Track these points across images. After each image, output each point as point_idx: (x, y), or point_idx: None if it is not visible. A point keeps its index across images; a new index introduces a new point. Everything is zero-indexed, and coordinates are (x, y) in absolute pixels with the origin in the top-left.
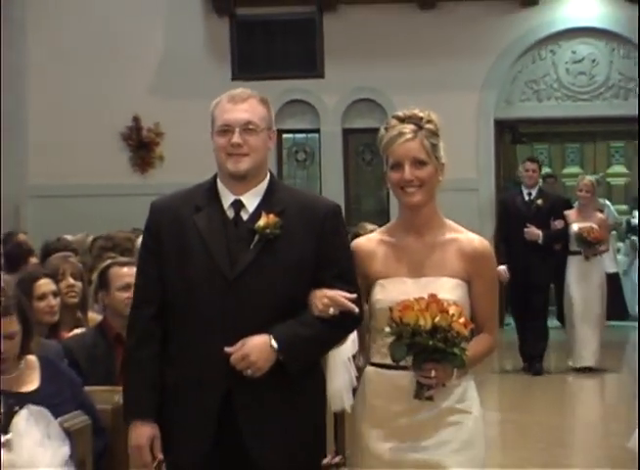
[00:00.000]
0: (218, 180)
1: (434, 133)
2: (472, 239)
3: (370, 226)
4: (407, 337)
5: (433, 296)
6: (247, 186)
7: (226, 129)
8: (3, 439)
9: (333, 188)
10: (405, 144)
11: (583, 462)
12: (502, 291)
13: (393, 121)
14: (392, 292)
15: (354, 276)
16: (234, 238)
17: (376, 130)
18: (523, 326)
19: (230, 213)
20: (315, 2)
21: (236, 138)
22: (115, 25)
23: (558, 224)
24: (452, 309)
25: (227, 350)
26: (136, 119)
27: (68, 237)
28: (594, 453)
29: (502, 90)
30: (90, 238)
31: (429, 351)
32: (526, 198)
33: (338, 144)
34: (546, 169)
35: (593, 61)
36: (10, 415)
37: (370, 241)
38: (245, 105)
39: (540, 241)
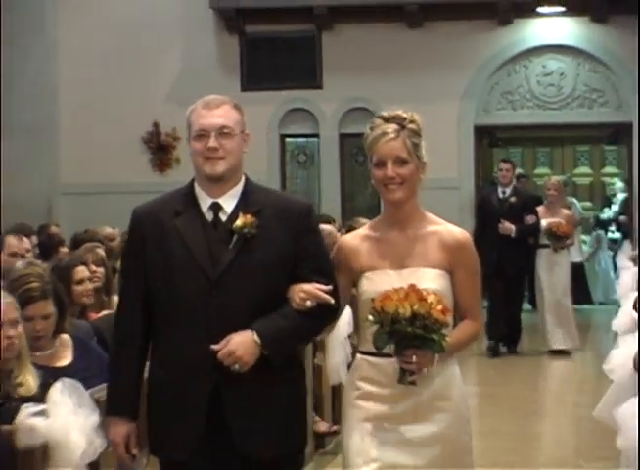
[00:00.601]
0: (196, 184)
1: (417, 133)
2: (452, 230)
3: (363, 220)
4: (388, 325)
5: (412, 286)
6: (223, 188)
7: (202, 134)
8: (40, 408)
9: (330, 186)
10: (388, 143)
11: (552, 430)
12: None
13: (378, 121)
14: (377, 283)
15: (330, 270)
16: (214, 239)
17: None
18: (496, 311)
19: (209, 216)
20: (314, 21)
21: (212, 142)
22: (139, 41)
23: (530, 219)
24: (431, 298)
25: (213, 347)
26: (156, 125)
27: (108, 229)
28: (562, 422)
29: (481, 100)
30: (117, 230)
31: (409, 337)
32: (501, 195)
33: (335, 147)
34: (519, 170)
35: (561, 74)
36: (46, 387)
37: (355, 237)
38: (219, 110)
39: (513, 234)
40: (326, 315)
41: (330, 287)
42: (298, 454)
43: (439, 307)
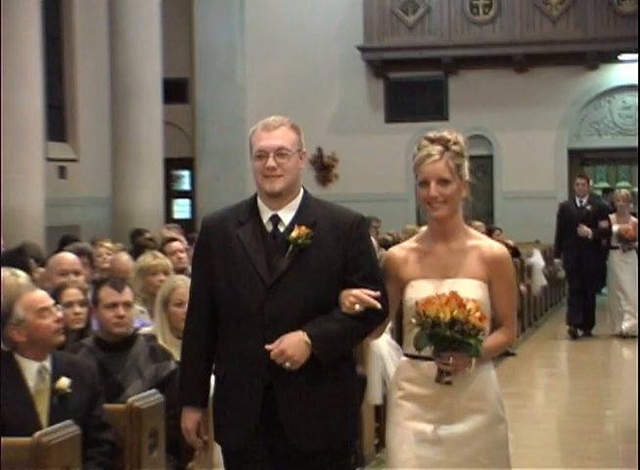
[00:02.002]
0: (258, 198)
1: (460, 154)
2: (491, 245)
3: (478, 223)
4: (428, 328)
5: (453, 292)
6: (282, 202)
7: (261, 154)
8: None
9: None
10: (432, 164)
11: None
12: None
13: (424, 142)
14: (421, 291)
15: (379, 277)
16: (272, 248)
17: (484, 158)
18: (575, 301)
19: (269, 227)
20: (442, 68)
21: (270, 162)
22: (309, 84)
23: (604, 224)
24: (470, 305)
25: (267, 347)
26: (319, 149)
27: None
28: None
29: (573, 128)
30: None
31: (447, 340)
32: (578, 204)
33: None
34: (604, 185)
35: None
36: None
37: (403, 249)
38: (277, 132)
39: (590, 237)
40: (373, 319)
41: (378, 293)
42: (347, 447)
43: (477, 314)
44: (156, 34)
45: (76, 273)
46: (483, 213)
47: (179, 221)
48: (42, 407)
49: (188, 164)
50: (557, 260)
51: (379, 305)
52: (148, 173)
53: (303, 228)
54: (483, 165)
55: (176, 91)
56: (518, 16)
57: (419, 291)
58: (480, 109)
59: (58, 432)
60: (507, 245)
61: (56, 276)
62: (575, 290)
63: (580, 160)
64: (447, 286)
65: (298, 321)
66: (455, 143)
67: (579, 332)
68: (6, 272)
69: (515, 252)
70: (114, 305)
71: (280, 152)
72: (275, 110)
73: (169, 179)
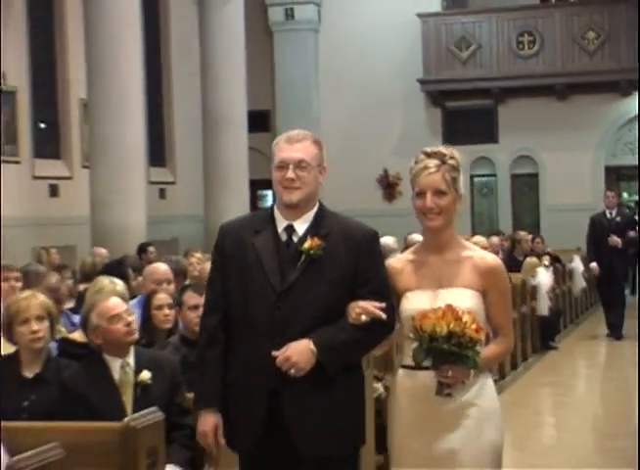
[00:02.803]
0: (275, 207)
1: (455, 168)
2: (484, 256)
3: (522, 233)
4: (425, 342)
5: (449, 306)
6: (298, 213)
7: (282, 166)
8: None
9: (504, 210)
10: (429, 176)
11: None
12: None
13: (421, 156)
14: (415, 303)
15: (387, 290)
16: (285, 257)
17: (531, 176)
18: (607, 304)
19: (283, 236)
20: (492, 98)
21: (289, 174)
22: (376, 113)
23: (632, 234)
24: (465, 317)
25: (274, 353)
26: (385, 170)
27: None
28: None
29: (609, 148)
30: None
31: (445, 354)
32: (608, 216)
33: (507, 183)
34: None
35: None
36: None
37: (399, 260)
38: (299, 145)
39: (620, 246)
40: (379, 331)
41: (383, 305)
42: (352, 456)
43: (473, 326)
44: (241, 72)
45: (168, 282)
46: (530, 225)
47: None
48: (127, 397)
49: (270, 184)
50: (593, 264)
51: (384, 316)
52: (235, 193)
53: (316, 239)
54: (530, 182)
55: (259, 121)
56: (559, 50)
57: (414, 302)
58: (526, 133)
59: (144, 417)
60: (547, 253)
61: (150, 284)
62: (607, 294)
63: (616, 176)
64: (442, 296)
65: (307, 330)
66: (451, 157)
67: (613, 333)
68: (105, 281)
69: (555, 259)
70: (196, 306)
71: (300, 165)
72: (345, 137)
73: (254, 198)
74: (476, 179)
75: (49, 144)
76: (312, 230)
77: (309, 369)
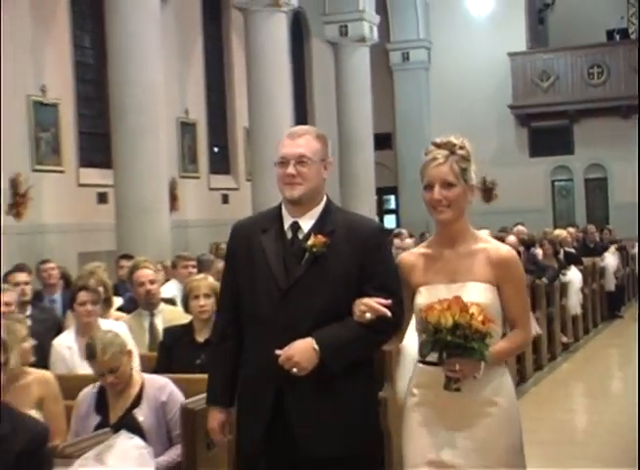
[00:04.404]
0: (282, 205)
1: (466, 158)
2: (498, 248)
3: (591, 226)
4: (430, 334)
5: (456, 297)
6: (303, 209)
7: (283, 161)
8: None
9: (580, 208)
10: (437, 167)
11: None
12: None
13: (431, 147)
14: (428, 297)
15: (394, 287)
16: (290, 255)
17: (601, 180)
18: None
19: (288, 234)
20: (568, 118)
21: (290, 169)
22: (474, 130)
23: None
24: (472, 308)
25: (277, 352)
26: (484, 178)
27: None
28: None
29: None
30: None
31: (451, 346)
32: None
33: (582, 187)
34: None
35: None
36: None
37: (412, 254)
38: (301, 140)
39: None
40: (385, 328)
41: (389, 301)
42: (362, 456)
43: (480, 318)
44: (368, 103)
45: None
46: (601, 219)
47: (388, 232)
48: None
49: (393, 190)
50: None
51: (389, 314)
52: (366, 198)
53: (320, 236)
54: (600, 185)
55: (383, 142)
56: (622, 78)
57: (427, 296)
58: (596, 145)
59: None
60: (615, 241)
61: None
62: None
63: None
64: (455, 290)
65: (312, 328)
66: (461, 147)
67: None
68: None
69: (621, 247)
70: None
71: (301, 160)
72: None
73: (380, 201)
74: (556, 183)
75: (221, 163)
76: (317, 227)
77: (313, 368)
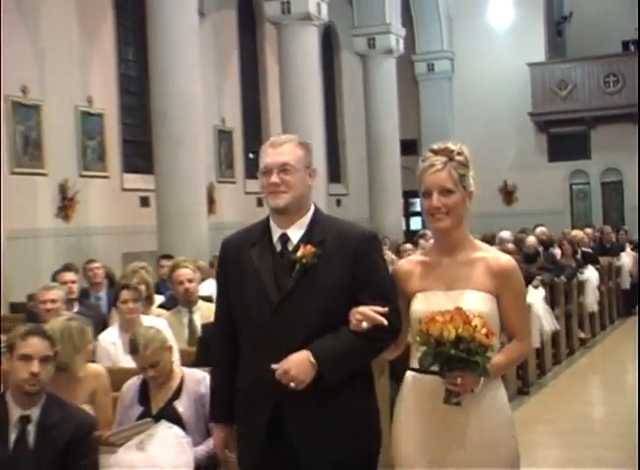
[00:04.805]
0: (270, 217)
1: (464, 164)
2: (498, 257)
3: (607, 227)
4: (432, 347)
5: (458, 308)
6: (290, 219)
7: (266, 171)
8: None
9: (596, 210)
10: (434, 174)
11: None
12: None
13: (429, 154)
14: (426, 304)
15: (390, 294)
16: (280, 267)
17: (617, 183)
18: None
19: (278, 246)
20: (586, 125)
21: (273, 178)
22: (496, 136)
23: None
24: (475, 321)
25: (273, 366)
26: (505, 181)
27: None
28: None
29: None
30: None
31: (453, 360)
32: None
33: (598, 190)
34: None
35: None
36: None
37: (409, 262)
38: (283, 148)
39: None
40: (382, 337)
41: (385, 309)
42: (361, 465)
43: (483, 331)
44: (395, 111)
45: None
46: (616, 220)
47: (413, 232)
48: None
49: (418, 194)
50: None
51: (385, 322)
52: (392, 201)
53: (309, 247)
54: (616, 188)
55: (409, 147)
56: (636, 86)
57: (423, 303)
58: (612, 150)
59: None
60: (631, 241)
61: None
62: None
63: None
64: (453, 297)
65: (306, 340)
66: (459, 153)
67: None
68: None
69: (636, 246)
70: None
71: (284, 168)
72: (474, 157)
73: (407, 204)
74: (574, 187)
75: (256, 168)
76: (306, 237)
77: (311, 381)
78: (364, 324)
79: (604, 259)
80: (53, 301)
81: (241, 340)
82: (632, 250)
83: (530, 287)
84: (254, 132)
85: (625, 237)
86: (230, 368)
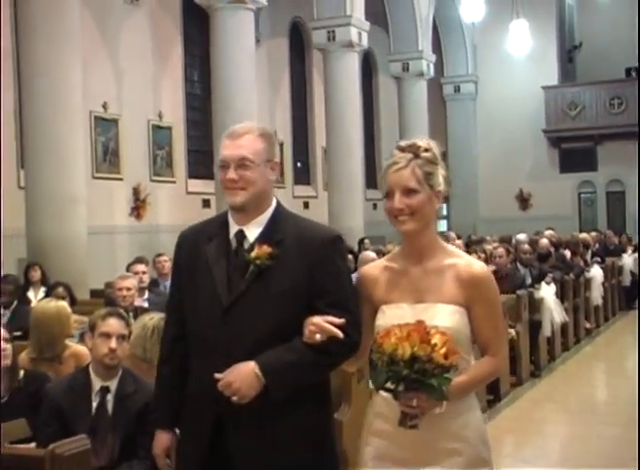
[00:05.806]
0: (229, 211)
1: (431, 162)
2: (470, 264)
3: (610, 231)
4: (384, 364)
5: (419, 322)
6: (248, 217)
7: (223, 165)
8: None
9: (602, 216)
10: (397, 172)
11: None
12: None
13: (395, 151)
14: (390, 318)
15: (349, 304)
16: (233, 267)
17: (620, 193)
18: None
19: (233, 243)
20: (593, 141)
21: (230, 174)
22: (513, 150)
23: None
24: (436, 339)
25: (216, 376)
26: (520, 190)
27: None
28: None
29: None
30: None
31: (407, 380)
32: None
33: (603, 197)
34: None
35: None
36: None
37: (375, 268)
38: (241, 141)
39: None
40: (337, 350)
41: (342, 320)
42: None
43: (442, 350)
44: (425, 127)
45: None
46: (620, 225)
47: (440, 233)
48: None
49: (445, 199)
50: None
51: (341, 335)
52: None
53: (264, 247)
54: (619, 197)
55: None
56: (637, 108)
57: (388, 317)
58: (616, 164)
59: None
60: (630, 244)
61: (362, 265)
62: None
63: None
64: (420, 311)
65: (255, 349)
66: (427, 150)
67: None
68: None
69: (636, 248)
70: None
71: (242, 163)
72: (495, 169)
73: None
74: (582, 195)
75: (303, 175)
76: (264, 236)
77: (256, 394)
78: (318, 336)
79: (608, 260)
80: (128, 288)
81: (191, 343)
82: (633, 252)
83: (543, 283)
84: (303, 143)
85: (627, 241)
86: (176, 373)
